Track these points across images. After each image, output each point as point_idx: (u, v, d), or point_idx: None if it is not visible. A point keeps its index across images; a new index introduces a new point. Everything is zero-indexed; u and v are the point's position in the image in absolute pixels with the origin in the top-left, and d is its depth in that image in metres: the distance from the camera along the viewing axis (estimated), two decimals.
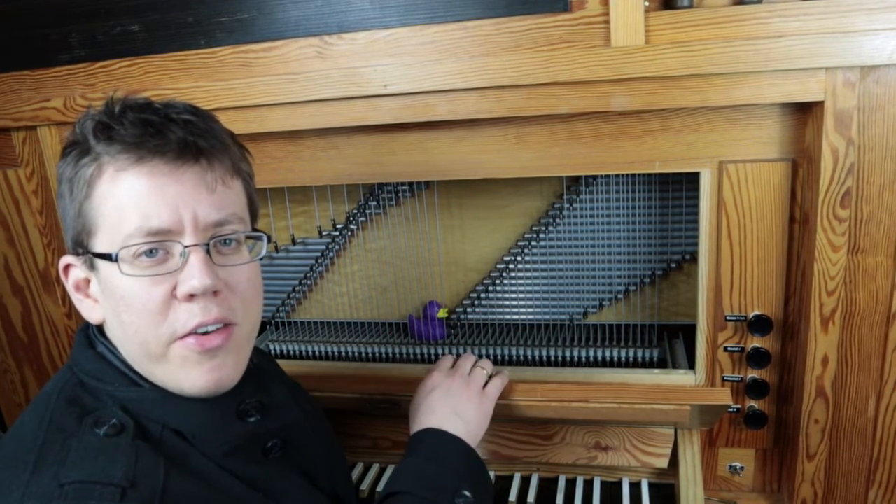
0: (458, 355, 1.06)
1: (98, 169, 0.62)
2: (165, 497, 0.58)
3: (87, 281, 0.67)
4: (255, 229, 0.70)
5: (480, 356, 1.17)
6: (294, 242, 1.27)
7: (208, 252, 0.63)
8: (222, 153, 0.65)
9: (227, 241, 0.66)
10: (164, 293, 0.62)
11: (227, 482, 0.65)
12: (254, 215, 0.71)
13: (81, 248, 0.65)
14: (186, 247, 0.62)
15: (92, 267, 0.65)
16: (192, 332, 0.62)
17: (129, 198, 0.61)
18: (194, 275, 0.61)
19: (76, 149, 0.64)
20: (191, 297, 0.62)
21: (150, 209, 0.61)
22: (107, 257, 0.62)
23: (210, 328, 0.63)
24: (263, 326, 1.32)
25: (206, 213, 0.63)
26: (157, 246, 0.62)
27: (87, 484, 0.56)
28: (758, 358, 1.01)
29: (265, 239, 0.69)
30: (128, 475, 0.58)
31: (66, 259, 0.67)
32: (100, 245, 0.63)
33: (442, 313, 1.21)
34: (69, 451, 0.59)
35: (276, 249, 1.28)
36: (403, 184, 1.18)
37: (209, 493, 0.63)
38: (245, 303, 0.66)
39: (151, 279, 0.62)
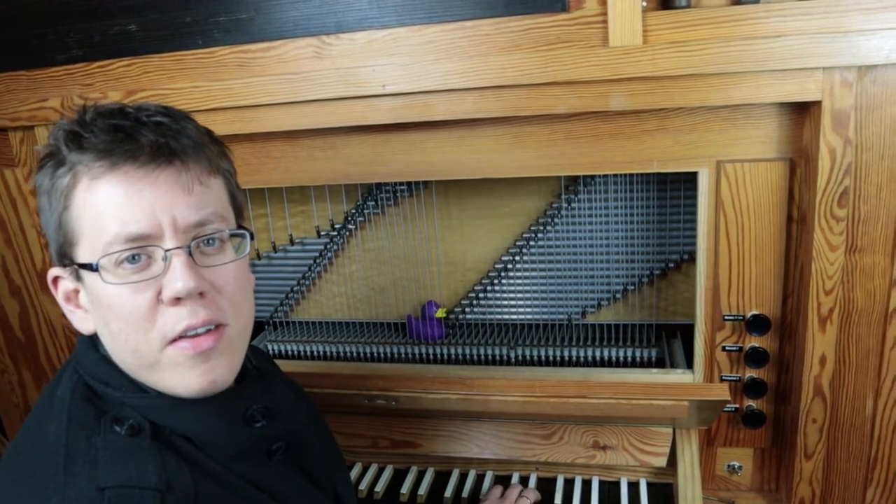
0: (507, 486, 1.08)
1: (73, 179, 0.62)
2: (199, 500, 0.59)
3: (76, 291, 0.67)
4: (239, 226, 0.69)
5: (479, 356, 1.19)
6: (292, 242, 1.27)
7: (190, 254, 0.62)
8: (197, 152, 0.64)
9: (210, 241, 0.64)
10: (150, 299, 0.61)
11: (238, 484, 0.65)
12: (238, 212, 0.70)
13: (66, 259, 0.64)
14: (168, 250, 0.61)
15: (78, 277, 0.65)
16: (183, 336, 0.62)
17: (105, 205, 0.61)
18: (177, 278, 0.61)
19: (51, 160, 0.63)
20: (177, 300, 0.61)
21: (127, 215, 0.60)
22: (89, 267, 0.62)
23: (200, 330, 0.63)
24: (261, 326, 1.32)
25: (185, 215, 0.62)
26: (138, 251, 0.61)
27: (127, 488, 0.56)
28: (756, 357, 1.01)
29: (248, 236, 0.68)
30: (161, 478, 0.58)
31: (54, 271, 0.67)
32: (82, 255, 0.63)
33: (440, 313, 1.21)
34: (97, 452, 0.59)
35: (275, 249, 1.28)
36: (402, 184, 1.18)
37: (228, 495, 0.63)
38: (233, 302, 0.65)
39: (135, 286, 0.61)
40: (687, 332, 1.11)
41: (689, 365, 1.08)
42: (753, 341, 1.02)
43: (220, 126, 0.99)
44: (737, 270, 0.99)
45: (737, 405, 1.06)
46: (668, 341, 1.18)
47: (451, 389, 1.06)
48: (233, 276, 0.65)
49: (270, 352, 1.29)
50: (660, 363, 1.12)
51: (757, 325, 1.00)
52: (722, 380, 1.05)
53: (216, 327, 0.63)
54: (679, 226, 1.11)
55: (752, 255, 0.98)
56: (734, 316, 1.01)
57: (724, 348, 1.03)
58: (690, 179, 1.03)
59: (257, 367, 0.76)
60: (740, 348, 1.03)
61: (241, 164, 1.06)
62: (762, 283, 0.99)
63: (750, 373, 1.04)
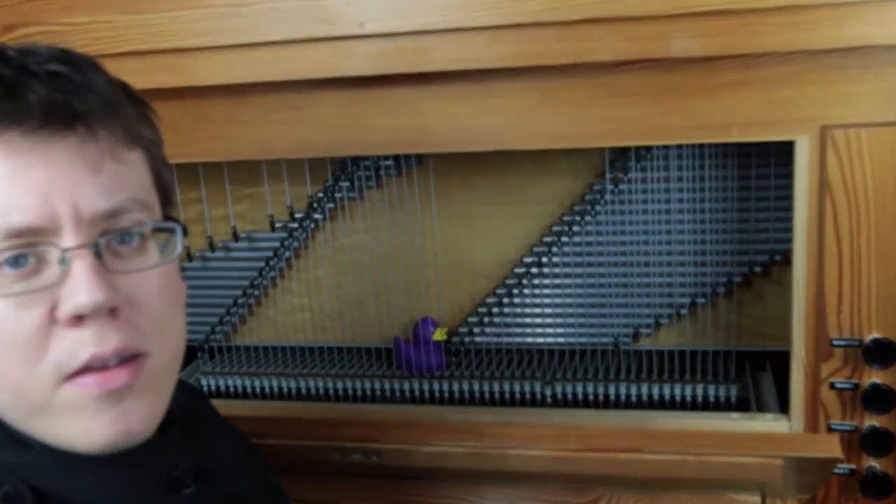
0: None
1: None
2: None
3: None
4: (167, 217, 0.69)
5: (492, 392, 1.18)
6: (236, 238, 1.26)
7: (99, 255, 0.60)
8: (109, 115, 0.62)
9: (126, 238, 0.63)
10: (41, 318, 0.59)
11: None
12: (164, 198, 0.70)
13: None
14: (66, 250, 0.59)
15: None
16: (87, 369, 0.60)
17: None
18: (80, 288, 0.58)
19: None
20: (78, 319, 0.59)
21: (8, 201, 0.58)
22: None
23: (110, 362, 0.61)
24: (193, 353, 1.31)
25: (92, 202, 0.60)
26: (25, 251, 0.59)
27: None
28: (878, 398, 0.99)
29: (179, 231, 0.67)
30: None
31: None
32: None
33: (439, 335, 1.20)
34: None
35: (213, 248, 1.27)
36: (387, 158, 1.18)
37: None
38: (158, 323, 0.64)
39: (19, 299, 0.59)
40: (780, 362, 1.09)
41: (784, 408, 1.06)
42: (875, 376, 1.00)
43: (138, 78, 0.94)
44: (850, 277, 0.98)
45: (852, 465, 1.04)
46: (754, 375, 1.16)
47: (454, 440, 1.05)
48: (157, 285, 0.64)
49: (206, 389, 1.27)
50: (742, 405, 1.11)
51: (879, 353, 0.98)
52: (830, 429, 1.03)
53: (133, 357, 0.62)
54: (768, 215, 1.10)
55: (872, 255, 0.97)
56: (847, 341, 1.00)
57: (832, 385, 1.01)
58: (785, 152, 1.02)
59: (187, 410, 0.74)
60: (856, 385, 1.01)
61: (168, 130, 1.00)
62: (886, 295, 0.97)
63: (870, 420, 1.02)
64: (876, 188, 0.94)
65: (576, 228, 1.15)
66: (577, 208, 1.15)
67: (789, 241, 1.00)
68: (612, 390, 1.15)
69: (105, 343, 0.59)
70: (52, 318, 0.59)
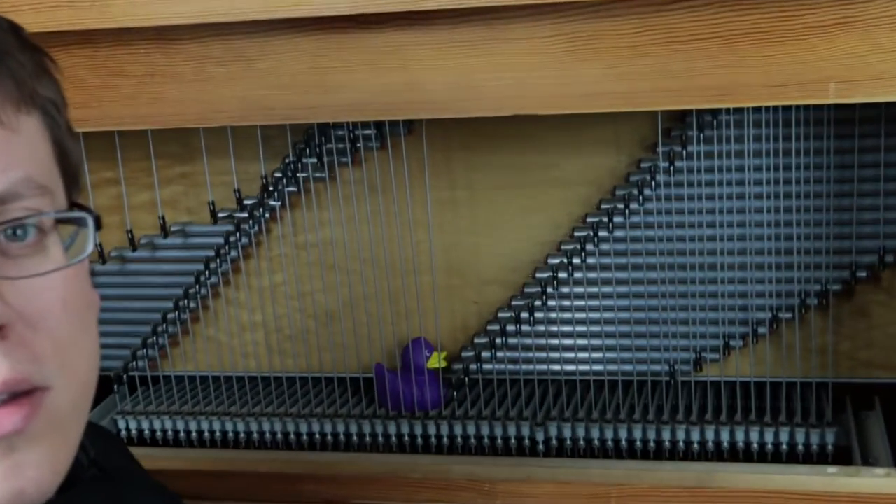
0: None
1: None
2: None
3: None
4: (73, 204, 0.68)
5: (506, 438, 1.18)
6: (166, 233, 1.26)
7: None
8: None
9: (19, 233, 0.63)
10: None
11: None
12: (70, 179, 0.68)
13: None
14: None
15: None
16: None
17: None
18: None
19: None
20: None
21: None
22: None
23: None
24: (108, 387, 1.32)
25: None
26: None
27: None
28: None
29: (90, 222, 0.66)
30: None
31: None
32: None
33: (436, 361, 1.21)
34: None
35: (134, 246, 1.27)
36: (366, 126, 1.18)
37: None
38: (61, 347, 0.64)
39: None
40: (892, 398, 1.11)
41: None
42: None
43: (31, 17, 0.98)
44: None
45: None
46: (857, 415, 1.16)
47: (455, 500, 1.06)
48: (59, 296, 0.64)
49: (124, 434, 1.27)
50: (842, 455, 1.10)
51: None
52: None
53: (27, 392, 0.61)
54: (876, 202, 1.10)
55: None
56: None
57: None
58: None
59: (99, 462, 0.74)
60: None
61: (74, 88, 1.06)
62: None
63: None
64: None
65: (618, 220, 1.15)
66: (619, 193, 1.16)
67: None
68: (666, 435, 1.14)
69: None
70: None
